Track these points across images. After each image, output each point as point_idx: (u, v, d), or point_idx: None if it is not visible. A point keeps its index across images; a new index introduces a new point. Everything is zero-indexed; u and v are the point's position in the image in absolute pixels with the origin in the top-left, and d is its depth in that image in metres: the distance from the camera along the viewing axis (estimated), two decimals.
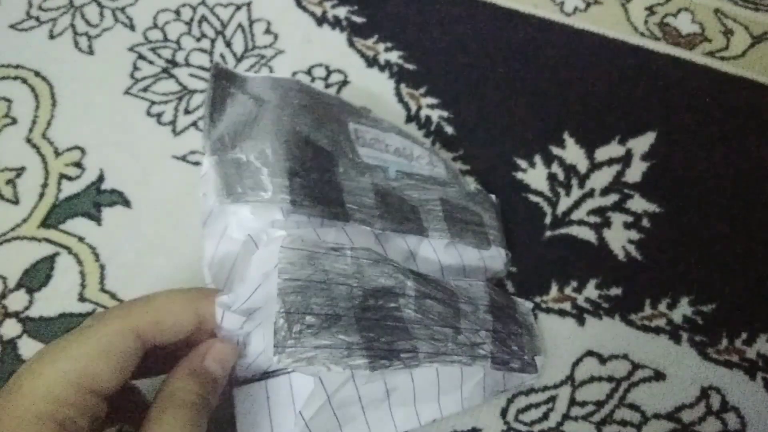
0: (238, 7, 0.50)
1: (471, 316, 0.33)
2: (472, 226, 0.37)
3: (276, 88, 0.30)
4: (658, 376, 0.39)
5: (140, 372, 0.26)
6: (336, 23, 0.50)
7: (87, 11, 0.50)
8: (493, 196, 0.42)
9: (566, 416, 0.38)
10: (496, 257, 0.39)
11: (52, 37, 0.49)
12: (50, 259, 0.41)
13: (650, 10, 0.51)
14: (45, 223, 0.42)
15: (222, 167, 0.26)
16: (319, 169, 0.29)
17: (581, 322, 0.41)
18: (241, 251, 0.26)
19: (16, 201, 0.43)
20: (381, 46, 0.49)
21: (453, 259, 0.36)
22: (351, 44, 0.49)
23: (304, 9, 0.51)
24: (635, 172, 0.45)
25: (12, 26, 0.49)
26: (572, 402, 0.39)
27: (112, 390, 0.24)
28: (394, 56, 0.49)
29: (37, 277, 0.41)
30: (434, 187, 0.37)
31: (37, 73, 0.47)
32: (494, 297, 0.35)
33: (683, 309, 0.41)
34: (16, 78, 0.47)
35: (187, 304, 0.26)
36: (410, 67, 0.49)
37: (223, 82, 0.28)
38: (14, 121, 0.46)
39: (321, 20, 0.50)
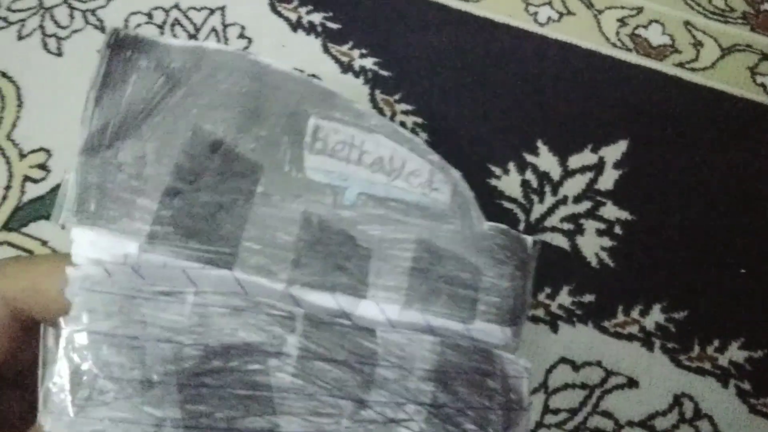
0: (212, 11, 0.50)
1: (393, 384, 0.25)
2: (453, 287, 0.27)
3: (200, 65, 0.23)
4: (631, 383, 0.39)
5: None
6: (311, 29, 0.50)
7: (57, 13, 0.49)
8: (529, 240, 0.30)
9: (540, 424, 0.38)
10: (490, 333, 0.28)
11: (20, 37, 0.48)
12: None
13: (622, 21, 0.51)
14: (7, 226, 0.41)
15: (84, 172, 0.20)
16: (217, 188, 0.23)
17: (555, 328, 0.40)
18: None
19: None
20: (356, 52, 0.49)
21: (412, 321, 0.27)
22: (326, 50, 0.49)
23: (279, 14, 0.51)
24: (608, 179, 0.45)
25: None
26: (546, 409, 0.38)
27: None
28: (369, 62, 0.49)
29: None
30: (416, 221, 0.27)
31: (3, 74, 0.46)
32: (449, 358, 0.26)
33: (655, 316, 0.41)
34: None
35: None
36: (385, 73, 0.49)
37: (127, 52, 0.22)
38: None
39: (296, 26, 0.50)
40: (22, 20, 0.49)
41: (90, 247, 0.21)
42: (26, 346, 0.22)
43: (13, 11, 0.49)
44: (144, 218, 0.21)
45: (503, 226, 0.29)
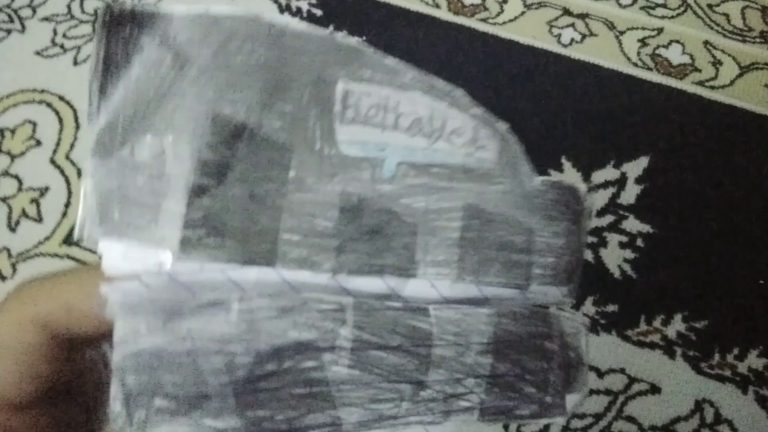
0: None
1: (452, 362, 0.24)
2: (506, 253, 0.25)
3: (209, 36, 0.21)
4: (654, 389, 0.41)
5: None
6: None
7: None
8: (582, 188, 0.24)
9: (566, 428, 0.40)
10: (546, 294, 0.26)
11: (76, 63, 0.51)
12: None
13: (643, 41, 0.53)
14: (67, 241, 0.44)
15: (100, 176, 0.19)
16: (247, 179, 0.21)
17: None
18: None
19: (39, 219, 0.45)
20: None
21: (466, 293, 0.25)
22: None
23: None
24: (630, 194, 0.47)
25: (38, 53, 0.52)
26: (572, 415, 0.40)
27: (24, 399, 0.20)
28: None
29: None
30: (462, 185, 0.25)
31: (61, 98, 0.50)
32: (505, 328, 0.25)
33: (677, 325, 0.43)
34: (41, 102, 0.50)
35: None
36: None
37: (125, 30, 0.20)
38: (39, 143, 0.48)
39: None
40: (78, 47, 0.52)
41: (122, 260, 0.19)
42: (71, 361, 0.21)
43: (69, 38, 0.52)
44: (173, 223, 0.19)
45: (555, 179, 0.26)
